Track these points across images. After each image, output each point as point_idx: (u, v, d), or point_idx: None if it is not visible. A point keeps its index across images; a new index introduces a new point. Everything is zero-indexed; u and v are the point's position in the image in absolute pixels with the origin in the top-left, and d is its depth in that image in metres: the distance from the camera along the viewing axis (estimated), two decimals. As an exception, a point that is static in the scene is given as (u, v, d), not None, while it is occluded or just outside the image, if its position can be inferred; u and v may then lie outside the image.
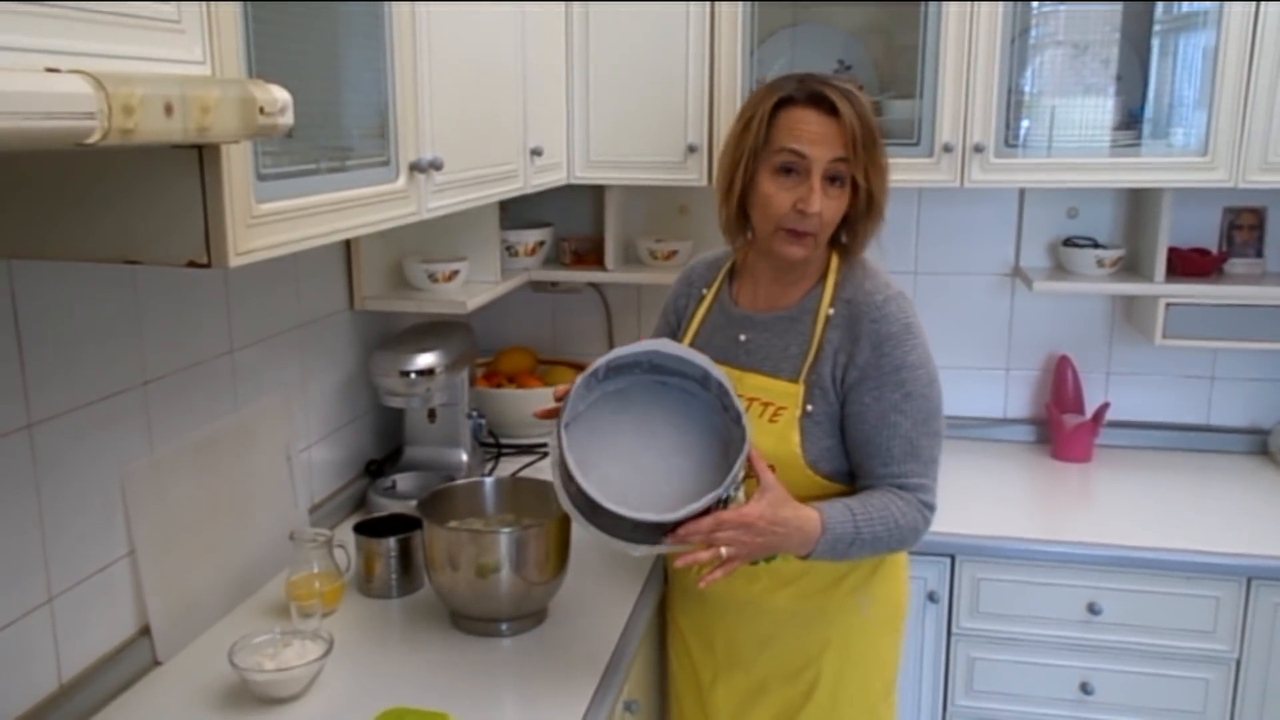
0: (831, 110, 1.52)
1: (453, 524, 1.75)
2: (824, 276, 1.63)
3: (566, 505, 1.47)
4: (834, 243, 1.63)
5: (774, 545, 1.47)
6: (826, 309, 1.60)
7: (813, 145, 1.51)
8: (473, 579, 1.63)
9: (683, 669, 1.84)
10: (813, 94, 1.53)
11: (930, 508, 1.58)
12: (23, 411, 1.34)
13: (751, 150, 1.56)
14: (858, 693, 1.71)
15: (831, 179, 1.54)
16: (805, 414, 1.58)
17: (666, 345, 1.49)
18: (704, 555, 1.42)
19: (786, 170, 1.54)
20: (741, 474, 1.43)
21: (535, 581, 1.67)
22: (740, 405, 1.46)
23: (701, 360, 1.48)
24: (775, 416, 1.59)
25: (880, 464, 1.56)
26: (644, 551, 1.45)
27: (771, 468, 1.53)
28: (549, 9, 2.17)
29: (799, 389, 1.59)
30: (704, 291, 1.75)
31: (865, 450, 1.57)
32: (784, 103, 1.54)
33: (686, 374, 1.52)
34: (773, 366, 1.62)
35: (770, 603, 1.68)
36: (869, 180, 1.54)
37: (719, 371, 1.48)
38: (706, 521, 1.40)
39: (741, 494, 1.46)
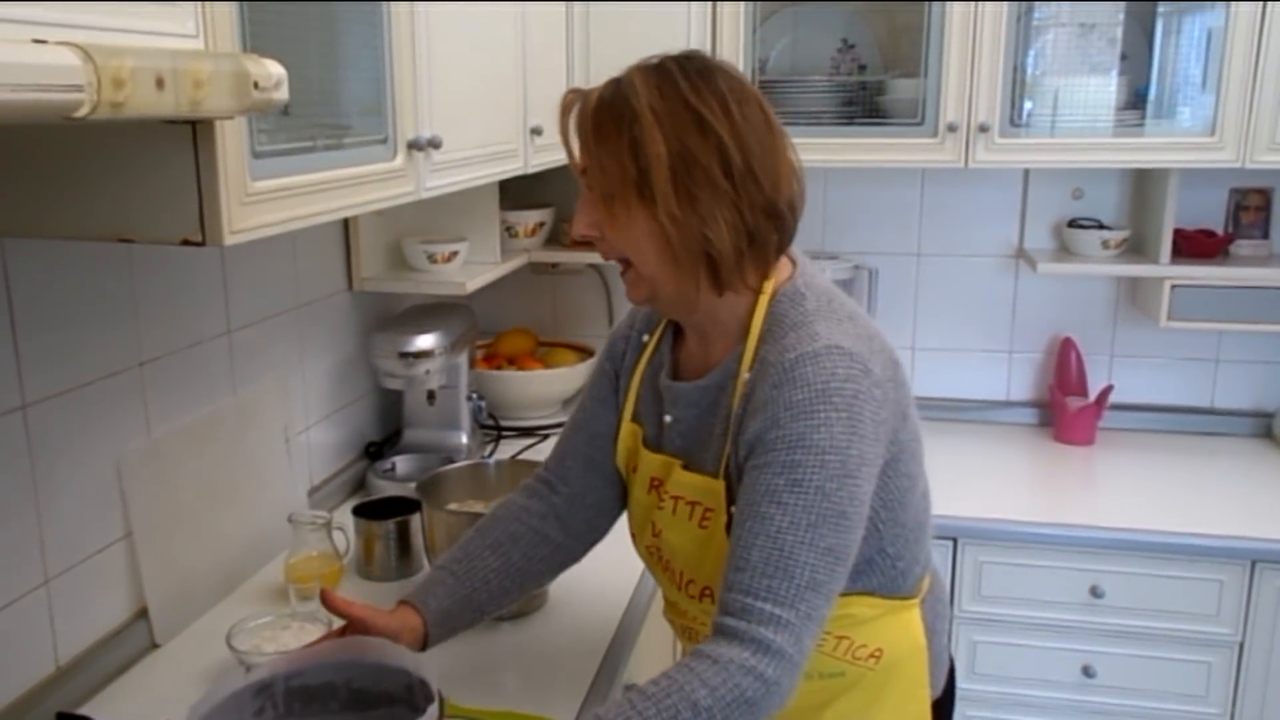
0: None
1: (452, 506, 1.74)
2: (750, 330, 1.21)
3: None
4: None
5: None
6: (744, 373, 1.19)
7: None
8: (473, 562, 1.62)
9: None
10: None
11: (779, 655, 1.03)
12: (16, 393, 1.32)
13: None
14: None
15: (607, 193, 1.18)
16: (730, 518, 1.18)
17: (363, 654, 1.14)
18: None
19: None
20: None
21: (535, 564, 1.65)
22: (434, 691, 1.07)
23: (403, 665, 1.12)
24: (705, 521, 1.22)
25: (732, 568, 1.09)
26: None
27: (709, 590, 1.23)
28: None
29: (721, 485, 1.21)
30: (645, 339, 1.36)
31: (729, 550, 1.13)
32: None
33: (390, 693, 1.13)
34: (698, 457, 1.25)
35: None
36: (614, 180, 1.16)
37: (421, 670, 1.10)
38: None
39: None
